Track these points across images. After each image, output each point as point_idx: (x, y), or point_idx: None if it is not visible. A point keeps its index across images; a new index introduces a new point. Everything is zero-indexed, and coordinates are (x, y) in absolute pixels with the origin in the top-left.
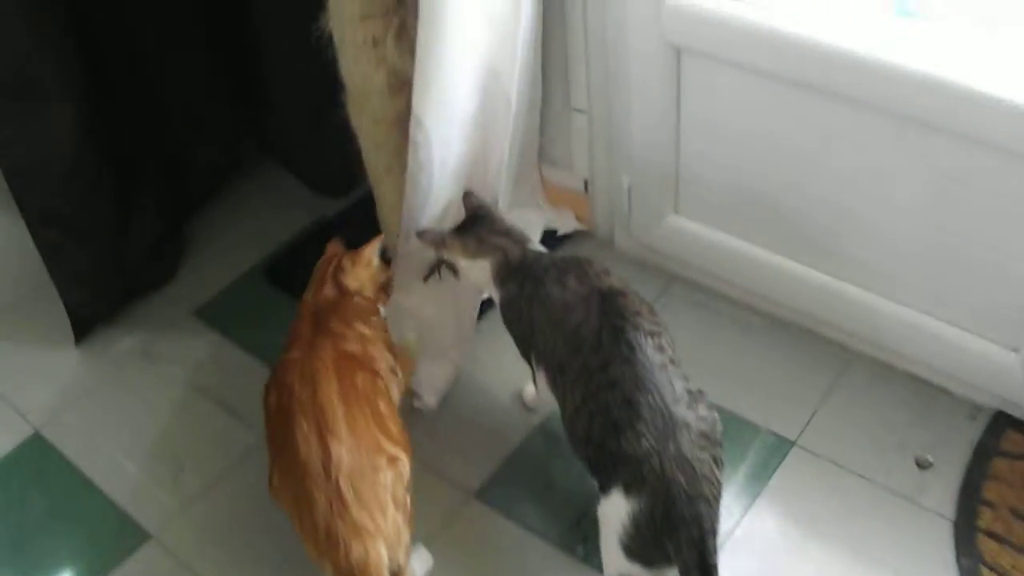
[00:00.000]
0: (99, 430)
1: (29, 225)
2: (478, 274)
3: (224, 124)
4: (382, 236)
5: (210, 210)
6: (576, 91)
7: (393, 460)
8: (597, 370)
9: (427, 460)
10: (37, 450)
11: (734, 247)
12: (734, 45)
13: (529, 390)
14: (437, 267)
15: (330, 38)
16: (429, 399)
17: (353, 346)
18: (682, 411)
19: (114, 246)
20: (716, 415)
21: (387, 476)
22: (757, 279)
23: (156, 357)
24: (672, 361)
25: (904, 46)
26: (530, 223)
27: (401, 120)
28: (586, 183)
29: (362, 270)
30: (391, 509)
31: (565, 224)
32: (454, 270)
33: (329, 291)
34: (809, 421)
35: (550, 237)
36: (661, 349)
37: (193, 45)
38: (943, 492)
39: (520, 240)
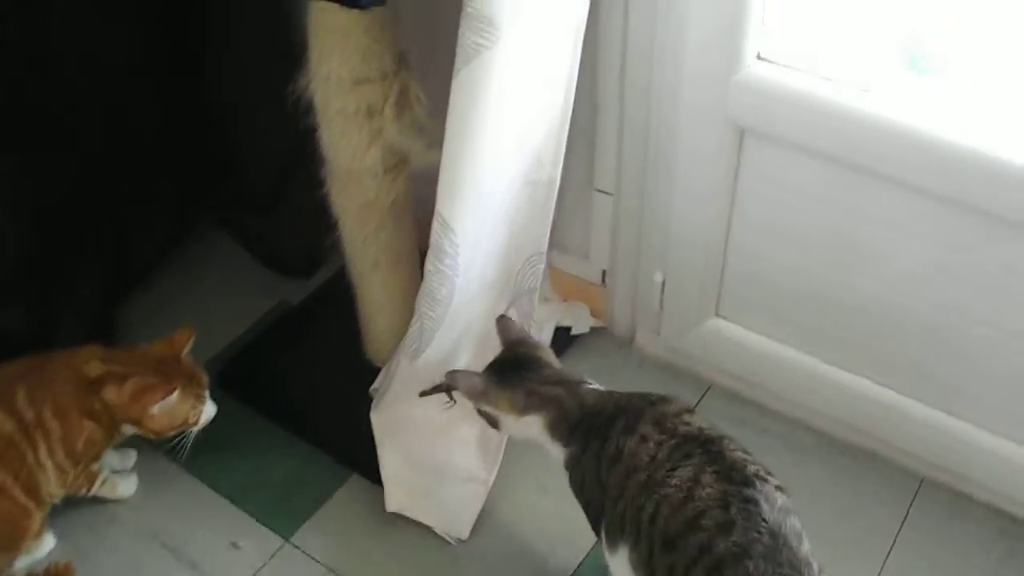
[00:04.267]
0: None
1: None
2: (525, 429)
3: (174, 194)
4: (176, 387)
5: (151, 294)
6: (602, 171)
7: None
8: (731, 559)
9: None
10: None
11: (784, 356)
12: (814, 127)
13: None
14: (448, 391)
15: (310, 105)
16: (458, 530)
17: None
18: None
19: (35, 335)
20: None
21: None
22: (811, 393)
23: None
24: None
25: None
26: (539, 319)
27: (397, 206)
28: (604, 274)
29: (132, 404)
30: None
31: (580, 321)
32: (492, 421)
33: (92, 369)
34: (884, 564)
35: (562, 335)
36: (797, 530)
37: (142, 103)
38: None
39: (575, 384)
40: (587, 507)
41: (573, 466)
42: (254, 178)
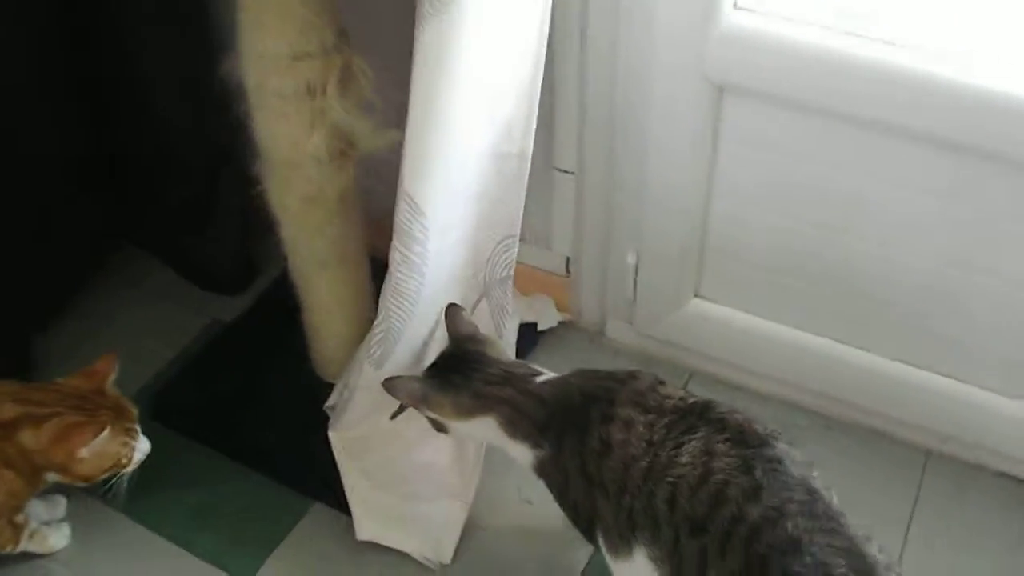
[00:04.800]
0: None
1: None
2: (477, 432)
3: (84, 212)
4: (104, 424)
5: (69, 324)
6: (561, 147)
7: None
8: (767, 524)
9: None
10: None
11: (772, 333)
12: (800, 77)
13: None
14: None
15: (239, 90)
16: (439, 554)
17: None
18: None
19: None
20: None
21: None
22: (803, 370)
23: None
24: None
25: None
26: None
27: (345, 199)
28: (568, 262)
29: (55, 448)
30: None
31: (545, 315)
32: (439, 426)
33: (5, 412)
34: (905, 542)
35: (528, 332)
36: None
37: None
38: None
39: (524, 379)
40: (575, 512)
41: (549, 469)
42: (176, 189)
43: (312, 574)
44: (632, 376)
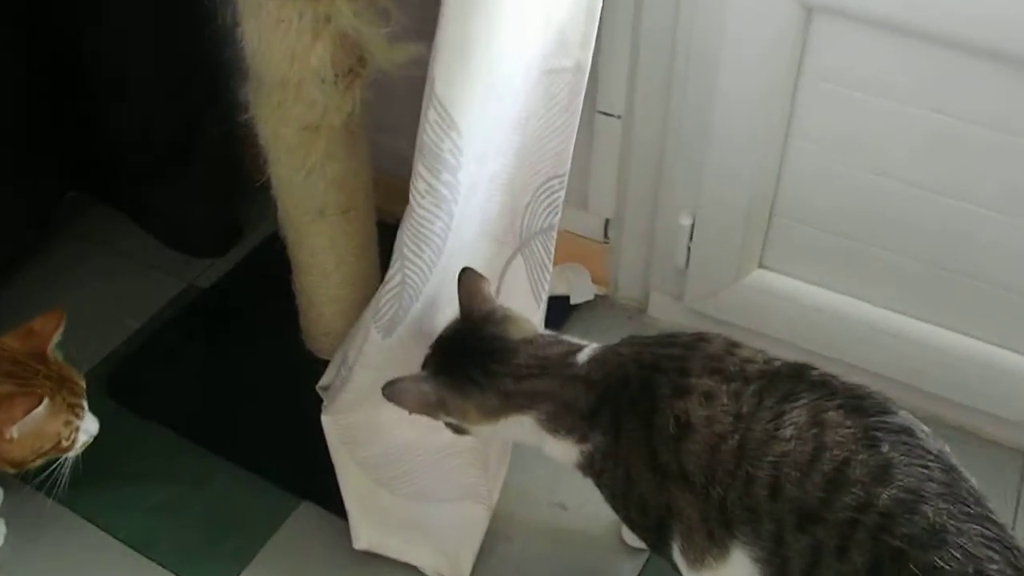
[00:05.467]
0: None
1: None
2: (511, 433)
3: (38, 166)
4: (41, 396)
5: (18, 288)
6: (607, 85)
7: None
8: (902, 511)
9: None
10: None
11: (847, 310)
12: None
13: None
14: None
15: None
16: (455, 568)
17: None
18: None
19: None
20: None
21: None
22: (885, 357)
23: None
24: None
25: None
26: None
27: (351, 128)
28: (607, 225)
29: None
30: None
31: (579, 288)
32: (458, 430)
33: None
34: None
35: (558, 306)
36: None
37: None
38: None
39: (564, 365)
40: (642, 514)
41: (602, 465)
42: (149, 134)
43: None
44: (701, 339)
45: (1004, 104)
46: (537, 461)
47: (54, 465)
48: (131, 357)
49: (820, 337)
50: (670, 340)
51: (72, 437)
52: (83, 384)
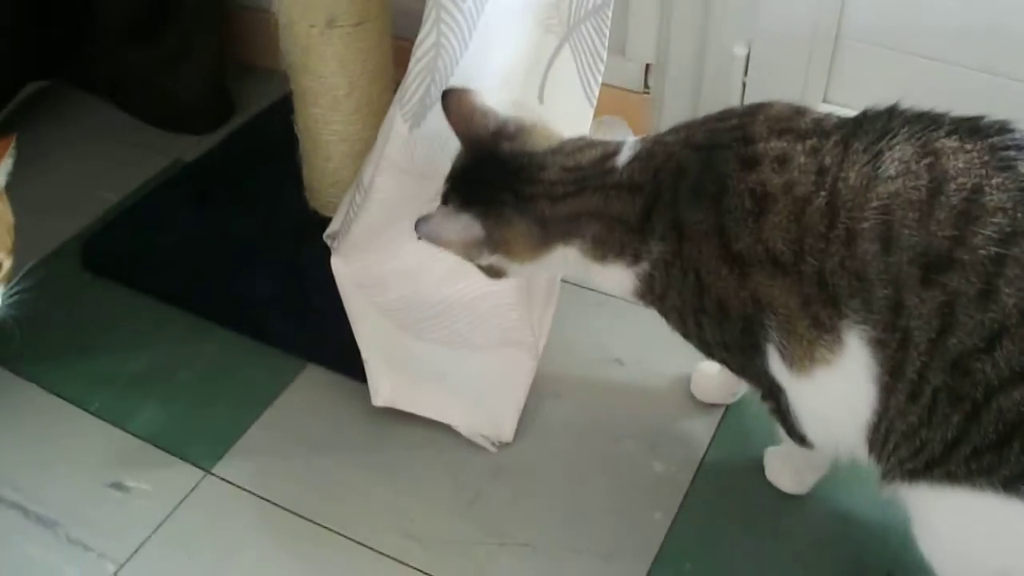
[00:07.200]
0: None
1: None
2: (553, 268)
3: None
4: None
5: None
6: None
7: None
8: None
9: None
10: None
11: None
12: None
13: (705, 371)
14: None
15: None
16: (495, 429)
17: None
18: None
19: None
20: None
21: None
22: None
23: None
24: None
25: None
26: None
27: None
28: (647, 72)
29: None
30: None
31: None
32: (495, 272)
33: None
34: None
35: None
36: None
37: None
38: None
39: (604, 170)
40: (720, 326)
41: (665, 281)
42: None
43: (301, 468)
44: (760, 106)
45: None
46: (587, 310)
47: None
48: (111, 225)
49: None
50: (724, 115)
51: None
52: (12, 221)
